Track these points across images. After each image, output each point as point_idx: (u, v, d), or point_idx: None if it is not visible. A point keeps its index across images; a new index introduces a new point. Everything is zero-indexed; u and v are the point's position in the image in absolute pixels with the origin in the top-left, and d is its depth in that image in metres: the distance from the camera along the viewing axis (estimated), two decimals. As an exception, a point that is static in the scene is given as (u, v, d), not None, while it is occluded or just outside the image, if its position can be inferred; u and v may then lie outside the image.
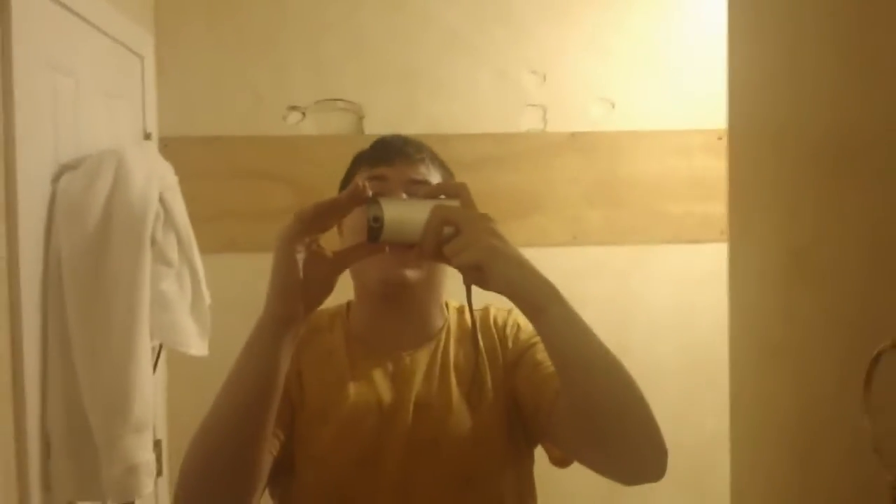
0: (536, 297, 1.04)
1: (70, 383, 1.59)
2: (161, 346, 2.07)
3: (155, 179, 1.74)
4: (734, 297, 1.58)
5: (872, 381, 1.06)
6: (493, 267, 1.02)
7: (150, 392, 1.67)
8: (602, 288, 2.69)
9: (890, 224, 1.10)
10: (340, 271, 1.12)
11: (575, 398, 1.07)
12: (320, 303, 1.10)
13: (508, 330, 1.33)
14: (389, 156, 1.31)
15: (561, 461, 1.28)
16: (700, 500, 2.82)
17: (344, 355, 1.31)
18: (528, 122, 2.71)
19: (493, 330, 1.34)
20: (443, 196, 1.12)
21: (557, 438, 1.22)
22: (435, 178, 1.32)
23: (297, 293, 1.06)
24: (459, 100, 2.68)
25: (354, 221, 1.19)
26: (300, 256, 1.05)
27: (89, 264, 1.60)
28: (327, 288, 1.10)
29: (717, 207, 2.73)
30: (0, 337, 1.47)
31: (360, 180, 1.08)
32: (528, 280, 1.04)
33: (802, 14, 1.32)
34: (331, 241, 1.16)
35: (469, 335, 1.32)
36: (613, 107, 2.73)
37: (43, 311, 1.58)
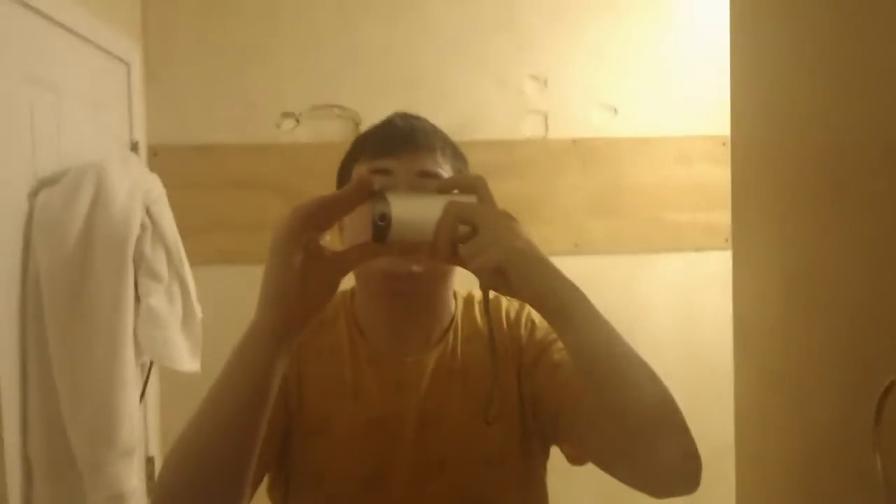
0: (562, 302, 0.94)
1: (52, 407, 1.53)
2: (152, 363, 2.01)
3: (139, 194, 1.68)
4: (737, 313, 1.53)
5: (882, 414, 0.99)
6: (517, 271, 0.92)
7: (136, 415, 1.61)
8: (605, 297, 2.60)
9: (890, 248, 1.04)
10: (343, 274, 0.99)
11: (603, 404, 0.97)
12: (320, 309, 0.97)
13: (523, 329, 1.22)
14: (395, 145, 1.17)
15: (577, 459, 1.17)
16: (706, 512, 2.75)
17: (347, 356, 1.20)
18: (529, 128, 2.65)
19: (506, 327, 1.23)
20: (457, 191, 1.00)
21: (581, 445, 1.13)
22: (447, 168, 1.19)
23: (293, 299, 0.93)
24: (459, 106, 2.62)
25: (358, 218, 1.04)
26: (298, 258, 0.92)
27: (70, 283, 1.54)
28: (328, 293, 0.97)
29: (721, 215, 2.65)
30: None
31: (365, 173, 0.97)
32: (553, 284, 0.94)
33: (804, 27, 1.27)
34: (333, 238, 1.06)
35: (479, 334, 1.22)
36: (616, 113, 2.67)
37: (21, 331, 1.52)
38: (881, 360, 1.02)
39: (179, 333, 1.93)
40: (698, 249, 2.70)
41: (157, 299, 1.82)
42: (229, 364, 0.96)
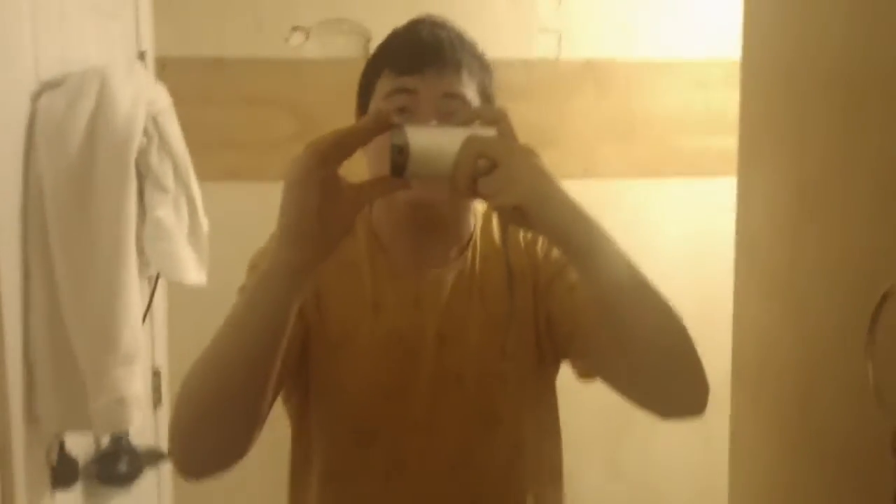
0: (584, 241, 0.95)
1: (54, 313, 1.53)
2: (158, 276, 2.02)
3: (143, 103, 1.65)
4: (741, 230, 1.54)
5: (877, 323, 1.01)
6: (537, 210, 0.93)
7: (138, 323, 1.62)
8: (614, 222, 2.58)
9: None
10: (360, 209, 1.00)
11: (621, 336, 1.00)
12: (336, 246, 0.98)
13: (539, 248, 1.24)
14: (420, 62, 1.15)
15: (587, 375, 1.21)
16: (705, 441, 2.78)
17: (367, 271, 1.21)
18: (541, 48, 2.59)
19: (522, 245, 1.24)
20: (478, 122, 1.00)
21: (594, 365, 1.16)
22: (472, 87, 1.18)
23: (311, 237, 0.94)
24: (471, 22, 2.49)
25: (380, 145, 1.04)
26: (314, 195, 0.92)
27: (73, 191, 1.53)
28: (345, 228, 0.98)
29: (735, 141, 2.63)
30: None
31: (384, 104, 0.97)
32: (574, 223, 0.95)
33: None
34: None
35: (498, 251, 1.22)
36: (631, 34, 2.60)
37: (23, 235, 1.52)
38: (885, 272, 1.03)
39: (186, 246, 1.93)
40: (711, 175, 2.67)
41: (163, 211, 1.82)
42: (246, 300, 0.98)
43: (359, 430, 1.20)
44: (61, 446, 1.61)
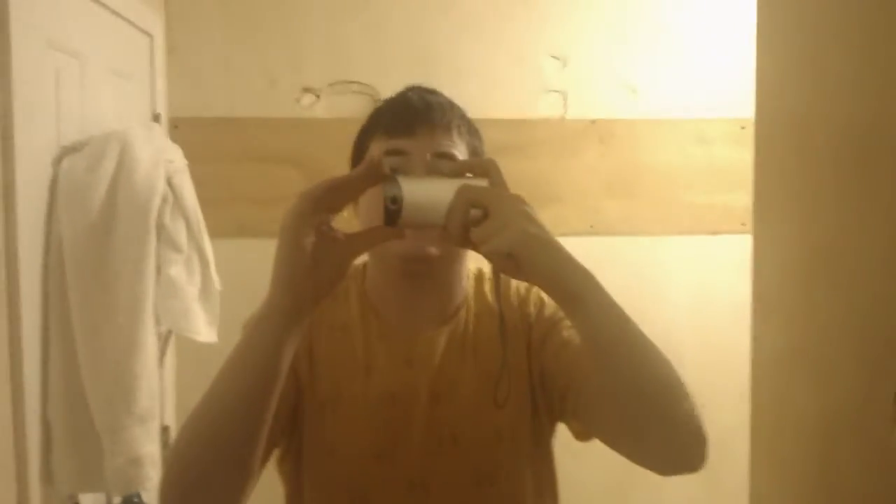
0: (575, 287, 0.94)
1: (71, 373, 1.55)
2: (170, 333, 2.03)
3: (162, 163, 1.69)
4: (757, 291, 1.53)
5: None
6: (528, 255, 0.92)
7: (155, 382, 1.63)
8: (620, 278, 2.60)
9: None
10: (354, 257, 0.99)
11: (612, 386, 0.98)
12: (330, 292, 0.98)
13: (532, 306, 1.23)
14: (411, 123, 1.16)
15: (583, 434, 1.19)
16: (714, 493, 2.77)
17: (359, 333, 1.20)
18: (547, 108, 2.64)
19: (515, 304, 1.23)
20: (469, 175, 1.00)
21: (589, 422, 1.14)
22: (462, 148, 1.18)
23: (304, 282, 0.94)
24: (478, 84, 2.61)
25: (371, 199, 1.04)
26: (308, 241, 0.92)
27: (92, 250, 1.56)
28: (339, 275, 0.98)
29: (739, 198, 2.66)
30: (-1, 322, 1.42)
31: (377, 154, 0.98)
32: (565, 269, 0.94)
33: (830, 8, 1.27)
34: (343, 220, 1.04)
35: (490, 310, 1.21)
36: (635, 94, 2.66)
37: (44, 297, 1.54)
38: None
39: (198, 304, 1.95)
40: (714, 233, 2.69)
41: (176, 270, 1.84)
42: (240, 345, 0.97)
43: (352, 492, 1.18)
44: (75, 505, 1.62)
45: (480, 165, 1.01)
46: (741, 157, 2.66)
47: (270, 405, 0.97)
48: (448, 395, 1.18)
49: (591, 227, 2.64)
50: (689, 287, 2.71)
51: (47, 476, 1.52)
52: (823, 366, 1.29)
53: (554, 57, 2.63)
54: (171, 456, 0.98)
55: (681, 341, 2.71)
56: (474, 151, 1.22)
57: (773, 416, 1.48)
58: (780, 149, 1.44)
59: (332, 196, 0.94)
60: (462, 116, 1.22)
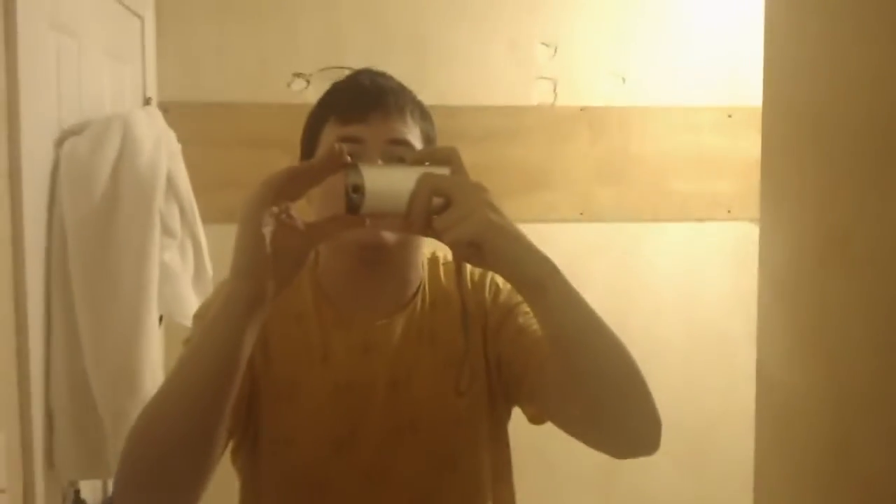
0: (536, 275, 0.95)
1: (75, 358, 1.53)
2: (161, 318, 2.01)
3: (164, 147, 1.67)
4: (764, 277, 1.54)
5: None
6: (492, 245, 0.92)
7: (159, 367, 1.62)
8: (608, 264, 2.66)
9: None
10: (314, 245, 1.01)
11: (571, 375, 0.99)
12: (291, 280, 0.97)
13: (487, 292, 1.23)
14: (364, 109, 1.14)
15: (537, 418, 1.20)
16: (698, 480, 2.81)
17: (314, 322, 1.19)
18: (538, 95, 2.65)
19: (470, 289, 1.22)
20: (428, 163, 0.99)
21: (543, 406, 1.15)
22: (416, 132, 1.17)
23: (264, 271, 0.93)
24: (469, 70, 2.61)
25: (328, 188, 1.02)
26: (268, 229, 0.92)
27: (96, 234, 1.54)
28: (299, 264, 0.98)
29: (725, 186, 2.70)
30: (3, 306, 1.40)
31: (336, 144, 0.94)
32: (528, 258, 0.95)
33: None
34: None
35: (446, 296, 1.22)
36: (624, 82, 2.67)
37: (46, 281, 1.52)
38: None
39: (191, 289, 1.94)
40: (701, 220, 2.72)
41: (170, 255, 1.83)
42: (201, 336, 0.96)
43: (310, 483, 1.17)
44: (76, 493, 1.60)
45: (442, 153, 1.00)
46: (728, 145, 2.69)
47: (229, 395, 0.95)
48: (406, 383, 1.18)
49: (581, 213, 2.66)
50: (677, 273, 2.74)
51: (50, 461, 1.50)
52: (836, 352, 1.30)
53: (545, 44, 2.63)
54: (128, 447, 0.94)
55: (668, 325, 2.75)
56: (427, 137, 1.21)
57: (781, 402, 1.49)
58: (791, 139, 1.44)
59: (291, 185, 0.94)
60: (414, 101, 1.21)
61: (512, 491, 1.31)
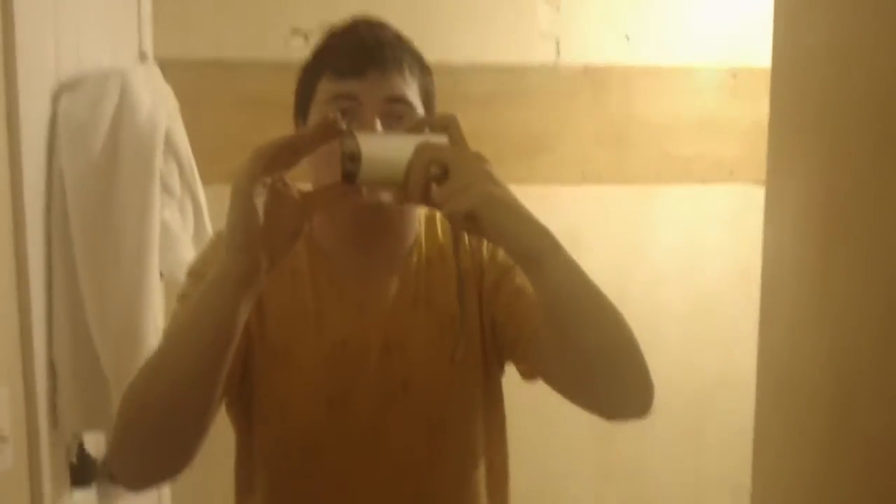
0: (535, 248, 0.94)
1: (76, 312, 1.53)
2: (161, 276, 2.01)
3: (162, 105, 1.65)
4: (768, 241, 1.53)
5: None
6: (490, 216, 0.91)
7: (161, 322, 1.61)
8: (609, 227, 2.65)
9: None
10: (309, 216, 0.99)
11: (567, 343, 1.00)
12: (286, 252, 0.97)
13: (485, 252, 1.22)
14: (361, 64, 1.10)
15: (528, 375, 1.20)
16: (696, 445, 2.83)
17: (308, 280, 1.18)
18: (540, 53, 2.61)
19: (468, 248, 1.21)
20: (427, 130, 0.99)
21: (536, 368, 1.15)
22: (414, 87, 1.15)
23: (257, 244, 0.91)
24: (471, 26, 2.57)
25: (323, 155, 1.01)
26: (261, 200, 0.90)
27: (96, 190, 1.53)
28: (294, 235, 0.97)
29: (728, 148, 2.68)
30: (4, 260, 1.39)
31: (331, 111, 0.94)
32: (526, 231, 0.94)
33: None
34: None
35: (443, 255, 1.21)
36: (628, 40, 2.64)
37: (46, 238, 1.51)
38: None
39: (191, 248, 1.92)
40: (704, 182, 2.71)
41: (169, 213, 1.81)
42: (194, 307, 0.95)
43: (304, 441, 1.17)
44: (80, 446, 1.60)
45: (441, 121, 0.99)
46: (731, 107, 2.67)
47: (223, 367, 0.95)
48: (399, 346, 1.18)
49: (583, 176, 2.64)
50: (678, 236, 2.73)
51: (53, 416, 1.51)
52: (839, 316, 1.29)
53: (547, 1, 2.60)
54: (122, 413, 0.95)
55: (667, 290, 2.74)
56: (426, 92, 1.19)
57: (782, 366, 1.49)
58: (799, 100, 1.42)
59: (284, 155, 0.92)
60: (413, 54, 1.18)
61: (505, 453, 1.31)
